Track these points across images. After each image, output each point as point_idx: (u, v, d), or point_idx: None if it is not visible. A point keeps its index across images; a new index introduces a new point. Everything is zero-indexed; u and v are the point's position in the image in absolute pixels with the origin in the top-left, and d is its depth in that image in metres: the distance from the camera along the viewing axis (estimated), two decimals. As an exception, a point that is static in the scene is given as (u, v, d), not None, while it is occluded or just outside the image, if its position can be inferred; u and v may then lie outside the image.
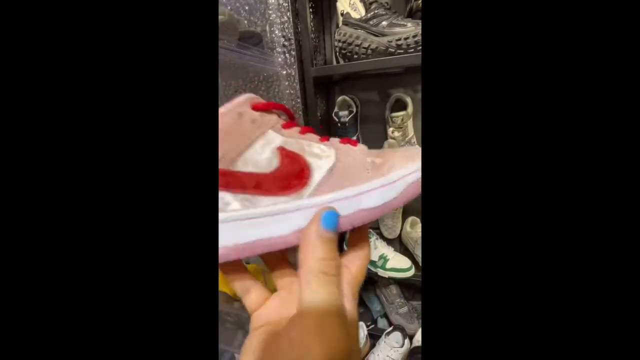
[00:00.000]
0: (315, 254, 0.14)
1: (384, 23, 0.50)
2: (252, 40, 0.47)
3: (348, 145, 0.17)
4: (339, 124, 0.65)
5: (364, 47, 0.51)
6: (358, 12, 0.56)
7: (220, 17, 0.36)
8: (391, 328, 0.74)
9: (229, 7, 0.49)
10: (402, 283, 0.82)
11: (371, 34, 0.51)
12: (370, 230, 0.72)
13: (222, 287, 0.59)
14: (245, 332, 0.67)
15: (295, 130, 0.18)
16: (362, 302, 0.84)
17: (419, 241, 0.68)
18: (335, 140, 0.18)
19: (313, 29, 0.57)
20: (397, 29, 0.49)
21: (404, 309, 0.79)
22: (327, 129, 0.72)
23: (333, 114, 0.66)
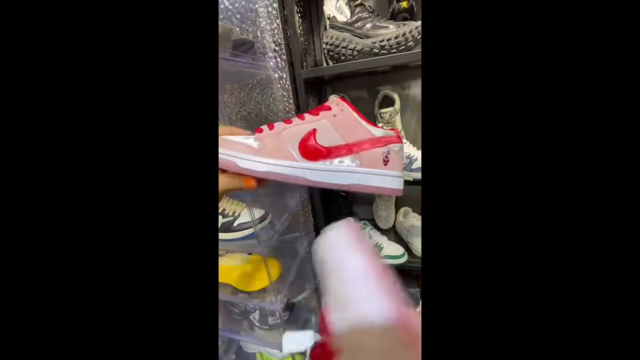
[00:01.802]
0: None
1: (368, 25, 0.53)
2: (245, 46, 0.50)
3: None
4: (331, 122, 0.68)
5: (350, 49, 0.54)
6: (344, 14, 0.59)
7: (214, 30, 0.39)
8: (388, 313, 0.78)
9: (221, 16, 0.52)
10: (397, 270, 0.86)
11: (356, 36, 0.54)
12: (366, 221, 0.76)
13: (226, 279, 0.63)
14: (251, 322, 0.71)
15: None
16: (360, 291, 0.88)
17: (411, 229, 0.72)
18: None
19: (302, 32, 0.60)
20: (380, 31, 0.52)
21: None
22: (320, 126, 0.76)
23: (325, 113, 0.69)
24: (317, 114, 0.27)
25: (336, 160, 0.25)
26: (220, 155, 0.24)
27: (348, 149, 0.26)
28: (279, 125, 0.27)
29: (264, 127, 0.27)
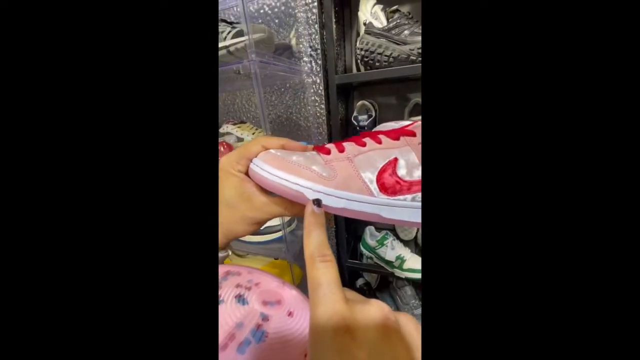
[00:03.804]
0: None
1: (406, 32, 0.52)
2: (281, 50, 0.50)
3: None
4: (357, 128, 0.67)
5: (385, 55, 0.53)
6: (379, 21, 0.58)
7: (260, 34, 0.40)
8: (407, 327, 0.75)
9: (259, 21, 0.52)
10: (416, 284, 0.83)
11: (393, 42, 0.53)
12: (388, 231, 0.74)
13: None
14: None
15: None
16: (377, 302, 0.86)
17: (436, 243, 0.70)
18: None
19: (336, 37, 0.60)
20: (419, 38, 0.51)
21: (419, 310, 0.80)
22: (345, 132, 0.75)
23: (352, 118, 0.68)
24: (397, 139, 0.23)
25: (416, 196, 0.22)
26: (284, 182, 0.20)
27: None
28: (350, 148, 0.23)
29: (331, 147, 0.23)
